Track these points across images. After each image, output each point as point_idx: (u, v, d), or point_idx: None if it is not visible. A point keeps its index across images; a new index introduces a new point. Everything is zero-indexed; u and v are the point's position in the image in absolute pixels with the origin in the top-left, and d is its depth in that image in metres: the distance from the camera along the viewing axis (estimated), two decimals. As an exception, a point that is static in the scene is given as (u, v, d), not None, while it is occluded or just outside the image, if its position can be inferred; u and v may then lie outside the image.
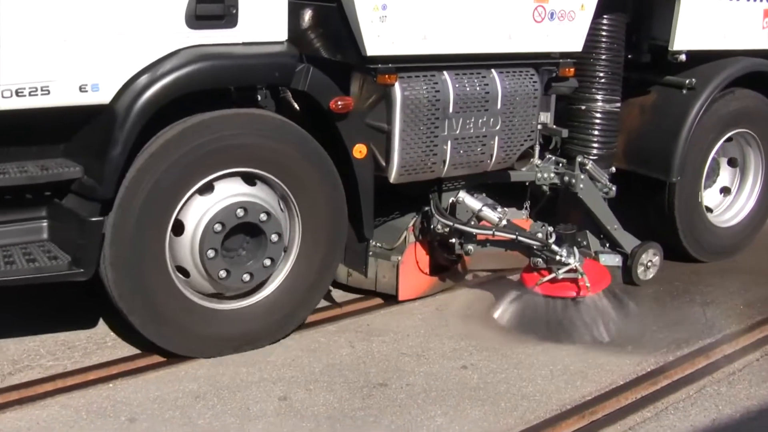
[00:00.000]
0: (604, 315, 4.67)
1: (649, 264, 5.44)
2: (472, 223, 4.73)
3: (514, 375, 4.20)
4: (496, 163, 4.75)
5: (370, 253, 4.92)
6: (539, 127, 5.20)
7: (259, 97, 4.15)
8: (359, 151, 4.27)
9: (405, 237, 4.93)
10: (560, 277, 4.64)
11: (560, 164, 5.30)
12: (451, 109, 4.46)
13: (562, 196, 5.42)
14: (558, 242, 4.69)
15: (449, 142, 4.51)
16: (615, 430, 3.79)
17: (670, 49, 5.37)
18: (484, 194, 5.03)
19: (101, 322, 4.46)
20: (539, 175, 5.26)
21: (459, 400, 3.94)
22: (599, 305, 4.70)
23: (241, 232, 4.16)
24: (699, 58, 5.55)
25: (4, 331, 4.20)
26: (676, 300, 5.33)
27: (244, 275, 4.12)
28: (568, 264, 4.66)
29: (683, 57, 5.39)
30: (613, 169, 5.45)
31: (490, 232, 4.67)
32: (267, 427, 3.66)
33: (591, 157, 5.27)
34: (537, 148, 5.26)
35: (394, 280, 4.91)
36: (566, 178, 5.24)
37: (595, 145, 5.31)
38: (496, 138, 4.68)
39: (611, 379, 4.18)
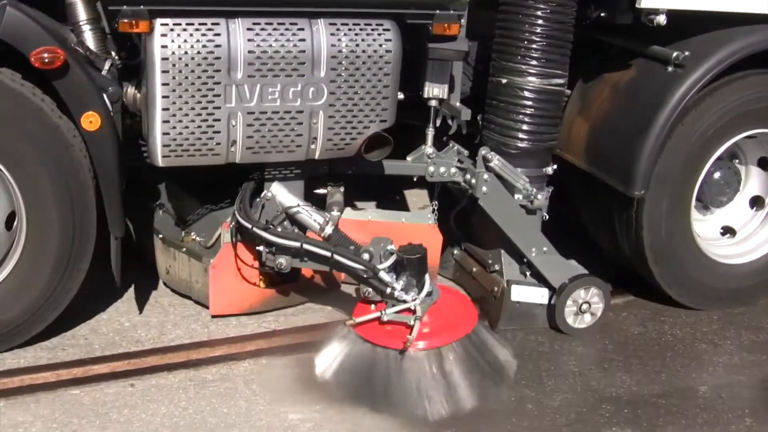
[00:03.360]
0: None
1: (585, 307, 3.93)
2: (279, 229, 3.48)
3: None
4: (325, 149, 3.46)
5: (183, 249, 3.84)
6: (434, 103, 3.83)
7: None
8: (89, 120, 3.17)
9: (220, 235, 3.77)
10: (386, 318, 3.32)
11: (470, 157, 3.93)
12: (240, 73, 3.23)
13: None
14: (398, 268, 3.35)
15: (240, 117, 3.29)
16: None
17: (638, 5, 3.75)
18: (339, 188, 3.77)
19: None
20: (431, 168, 3.90)
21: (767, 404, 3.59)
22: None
23: None
24: (703, 23, 3.89)
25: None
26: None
27: None
28: (404, 301, 3.32)
29: (661, 19, 3.76)
30: (549, 170, 3.96)
31: (297, 244, 3.41)
32: (565, 402, 3.46)
33: (511, 150, 3.83)
34: (430, 133, 3.89)
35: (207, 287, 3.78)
36: (468, 177, 3.84)
37: (520, 135, 3.85)
38: (321, 115, 3.38)
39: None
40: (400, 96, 3.57)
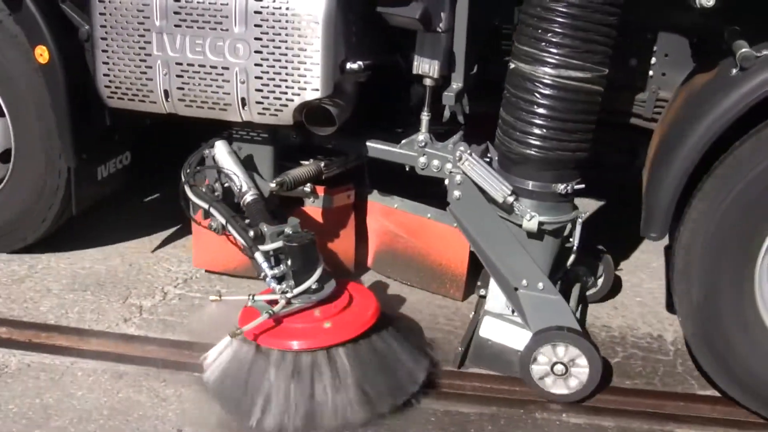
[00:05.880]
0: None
1: (560, 369, 3.08)
2: (202, 189, 3.33)
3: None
4: (257, 113, 3.20)
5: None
6: (428, 82, 3.31)
7: None
8: (39, 54, 3.38)
9: (202, 188, 3.74)
10: (250, 303, 3.02)
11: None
12: (159, 21, 3.16)
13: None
14: (284, 254, 3.02)
15: (169, 66, 3.22)
16: None
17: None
18: (318, 163, 3.48)
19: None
20: (422, 160, 3.38)
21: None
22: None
23: None
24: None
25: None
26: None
27: None
28: (274, 289, 3.00)
29: (706, -1, 2.72)
30: (560, 187, 3.13)
31: (206, 205, 3.25)
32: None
33: (511, 155, 3.15)
34: (425, 118, 3.37)
35: (201, 239, 3.82)
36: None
37: (519, 136, 3.10)
38: (248, 75, 3.15)
39: None
40: (354, 66, 3.14)
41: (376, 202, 3.79)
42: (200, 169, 3.32)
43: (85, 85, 3.42)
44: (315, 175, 3.46)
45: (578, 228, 3.19)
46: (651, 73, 3.52)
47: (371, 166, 3.76)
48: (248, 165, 3.42)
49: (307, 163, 3.50)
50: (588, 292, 3.76)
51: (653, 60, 3.51)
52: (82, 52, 3.43)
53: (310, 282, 2.96)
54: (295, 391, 2.82)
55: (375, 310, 3.03)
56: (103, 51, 3.26)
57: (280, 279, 2.99)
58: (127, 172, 3.86)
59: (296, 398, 2.81)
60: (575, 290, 3.58)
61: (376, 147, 3.43)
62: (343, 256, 3.79)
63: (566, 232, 3.19)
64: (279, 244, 3.00)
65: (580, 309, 3.72)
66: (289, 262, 2.98)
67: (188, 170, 3.35)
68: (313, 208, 3.68)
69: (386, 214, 3.78)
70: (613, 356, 3.40)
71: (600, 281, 3.75)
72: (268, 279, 2.99)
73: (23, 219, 3.75)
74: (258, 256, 3.01)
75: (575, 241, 3.21)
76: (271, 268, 2.99)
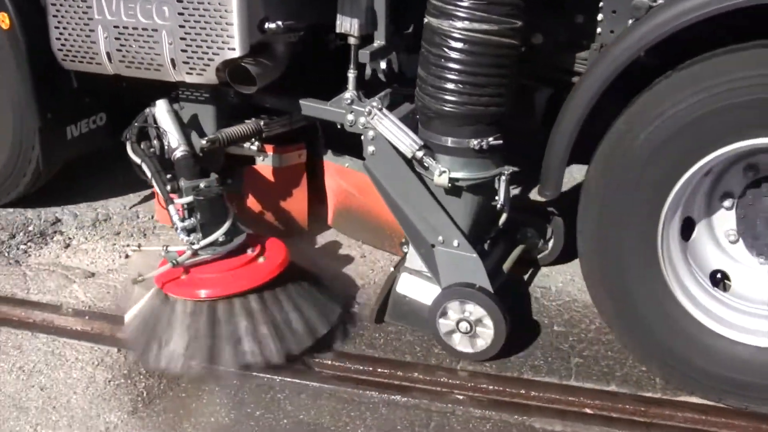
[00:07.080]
0: None
1: (466, 327, 3.10)
2: (143, 145, 3.49)
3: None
4: (185, 72, 3.34)
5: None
6: (352, 41, 3.35)
7: None
8: (2, 20, 3.63)
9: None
10: (163, 254, 3.18)
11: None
12: (103, -14, 3.35)
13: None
14: (199, 205, 3.17)
15: (108, 30, 3.40)
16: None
17: None
18: (258, 121, 3.59)
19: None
20: (350, 117, 3.42)
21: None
22: None
23: None
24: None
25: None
26: None
27: None
28: (183, 240, 3.16)
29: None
30: (474, 142, 3.09)
31: (138, 160, 3.42)
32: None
33: (427, 112, 3.15)
34: (351, 75, 3.39)
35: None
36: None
37: (431, 91, 3.08)
38: (174, 35, 3.28)
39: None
40: (272, 25, 3.22)
41: (329, 162, 3.85)
42: (138, 126, 3.47)
43: (48, 48, 3.64)
44: (252, 134, 3.56)
45: (503, 185, 3.15)
46: (599, 30, 3.41)
47: (327, 126, 3.82)
48: (192, 124, 3.56)
49: (248, 121, 3.60)
50: (539, 255, 3.71)
51: (600, 16, 3.39)
52: (44, 18, 3.64)
53: (217, 235, 3.09)
54: (186, 334, 2.98)
55: (279, 265, 3.13)
56: (54, 16, 3.47)
57: (189, 231, 3.12)
58: (101, 132, 4.07)
59: (188, 340, 2.97)
60: (516, 252, 3.54)
61: (307, 105, 3.49)
62: (297, 214, 3.89)
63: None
64: (190, 198, 3.13)
65: (530, 273, 3.70)
66: (198, 216, 3.11)
67: (131, 127, 3.53)
68: (265, 167, 3.79)
69: (341, 173, 3.84)
70: (548, 326, 3.35)
71: (550, 244, 3.68)
72: (178, 231, 3.13)
73: (5, 176, 4.03)
74: (170, 208, 3.16)
75: (501, 198, 3.17)
76: (182, 220, 3.13)
